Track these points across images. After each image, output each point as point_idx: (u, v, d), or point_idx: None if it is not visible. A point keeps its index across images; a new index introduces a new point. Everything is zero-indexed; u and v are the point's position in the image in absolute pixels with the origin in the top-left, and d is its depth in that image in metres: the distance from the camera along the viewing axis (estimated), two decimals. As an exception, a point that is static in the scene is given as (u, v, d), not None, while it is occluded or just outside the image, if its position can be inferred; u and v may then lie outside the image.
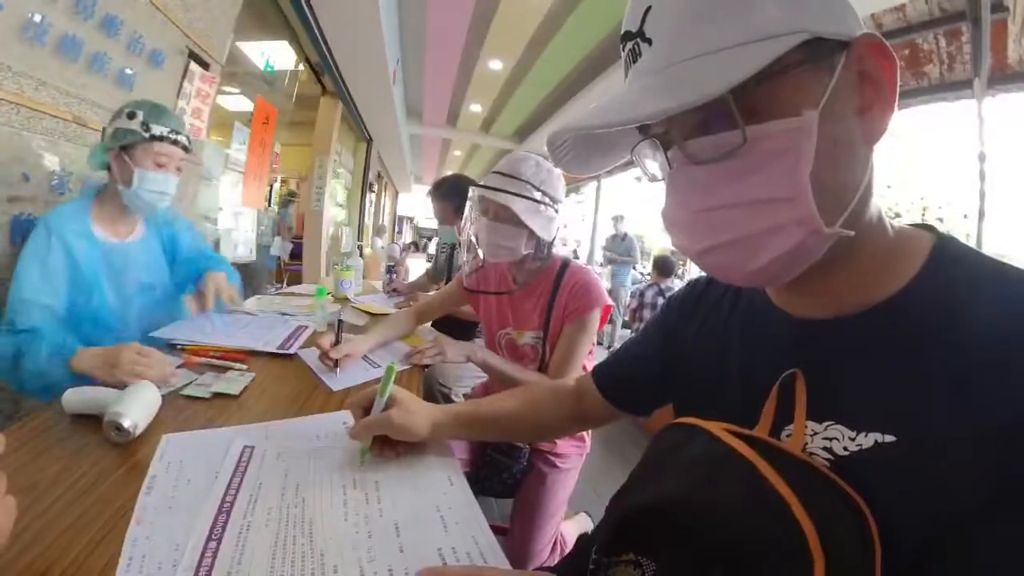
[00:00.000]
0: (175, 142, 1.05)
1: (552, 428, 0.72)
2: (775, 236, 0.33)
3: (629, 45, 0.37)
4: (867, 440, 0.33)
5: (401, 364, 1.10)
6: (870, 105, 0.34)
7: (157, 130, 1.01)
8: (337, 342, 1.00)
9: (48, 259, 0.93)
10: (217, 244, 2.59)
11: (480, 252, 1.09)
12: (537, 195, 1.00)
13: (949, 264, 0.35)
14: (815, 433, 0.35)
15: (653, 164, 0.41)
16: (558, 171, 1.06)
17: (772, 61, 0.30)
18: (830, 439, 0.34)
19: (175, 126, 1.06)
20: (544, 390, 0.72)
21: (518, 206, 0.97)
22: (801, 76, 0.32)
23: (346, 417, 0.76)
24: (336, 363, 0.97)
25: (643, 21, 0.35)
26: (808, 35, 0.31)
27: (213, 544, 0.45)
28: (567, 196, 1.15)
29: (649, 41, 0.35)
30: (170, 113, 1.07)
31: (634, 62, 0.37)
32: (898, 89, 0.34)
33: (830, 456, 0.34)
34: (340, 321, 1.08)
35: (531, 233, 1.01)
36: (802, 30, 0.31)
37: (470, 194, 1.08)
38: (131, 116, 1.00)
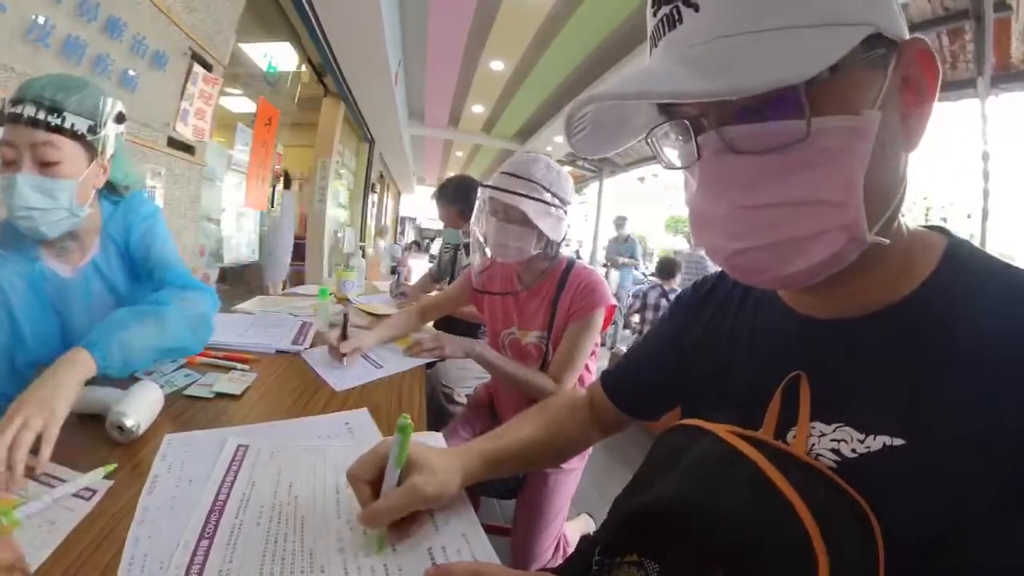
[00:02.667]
0: (19, 118, 0.63)
1: (577, 447, 0.67)
2: (817, 241, 0.31)
3: (665, 9, 0.33)
4: (876, 443, 0.32)
5: (402, 360, 1.10)
6: (910, 112, 0.32)
7: (8, 110, 0.65)
8: (344, 337, 1.04)
9: None
10: (220, 245, 2.60)
11: (488, 252, 1.09)
12: (547, 196, 1.00)
13: (962, 267, 0.34)
14: (823, 434, 0.35)
15: (672, 150, 0.38)
16: (567, 172, 1.07)
17: (849, 51, 0.28)
18: (839, 440, 0.34)
19: (29, 93, 0.65)
20: (561, 408, 0.66)
21: (528, 207, 0.98)
22: (862, 72, 0.30)
23: (347, 418, 0.76)
24: (343, 357, 1.01)
25: None
26: (873, 29, 0.29)
27: (205, 543, 0.45)
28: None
29: (695, 6, 0.31)
30: (36, 81, 0.67)
31: (671, 29, 0.33)
32: (936, 99, 0.32)
33: (837, 458, 0.34)
34: (346, 316, 1.11)
35: (540, 234, 1.01)
36: (868, 23, 0.29)
37: (479, 194, 1.09)
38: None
